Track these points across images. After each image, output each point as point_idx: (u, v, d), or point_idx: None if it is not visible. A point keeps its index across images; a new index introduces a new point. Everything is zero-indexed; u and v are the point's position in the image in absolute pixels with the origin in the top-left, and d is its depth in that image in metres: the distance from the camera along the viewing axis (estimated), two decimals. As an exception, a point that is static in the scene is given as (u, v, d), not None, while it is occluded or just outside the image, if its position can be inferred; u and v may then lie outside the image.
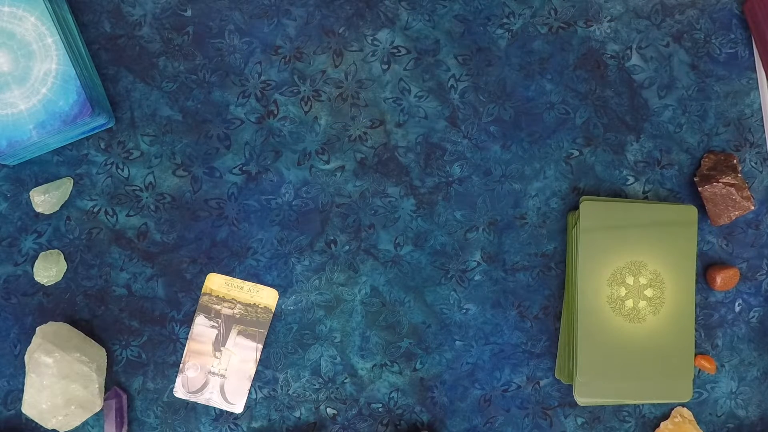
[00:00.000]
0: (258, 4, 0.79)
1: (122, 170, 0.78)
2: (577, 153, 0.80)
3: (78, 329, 0.78)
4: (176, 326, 0.78)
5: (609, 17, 0.80)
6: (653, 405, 0.80)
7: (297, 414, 0.79)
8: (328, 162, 0.79)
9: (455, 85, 0.79)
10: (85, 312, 0.78)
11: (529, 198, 0.79)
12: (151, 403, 0.78)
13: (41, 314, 0.78)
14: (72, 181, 0.78)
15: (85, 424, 0.78)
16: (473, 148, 0.79)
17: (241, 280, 0.78)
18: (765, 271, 0.81)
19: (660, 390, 0.76)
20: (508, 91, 0.79)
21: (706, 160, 0.80)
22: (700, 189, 0.78)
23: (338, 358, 0.79)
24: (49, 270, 0.77)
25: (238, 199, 0.78)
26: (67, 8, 0.77)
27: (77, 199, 0.78)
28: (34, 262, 0.78)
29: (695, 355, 0.80)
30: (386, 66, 0.79)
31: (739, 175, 0.79)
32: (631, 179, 0.80)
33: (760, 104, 0.81)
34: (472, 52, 0.79)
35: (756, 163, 0.81)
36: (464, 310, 0.79)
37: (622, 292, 0.76)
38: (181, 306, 0.78)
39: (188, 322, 0.78)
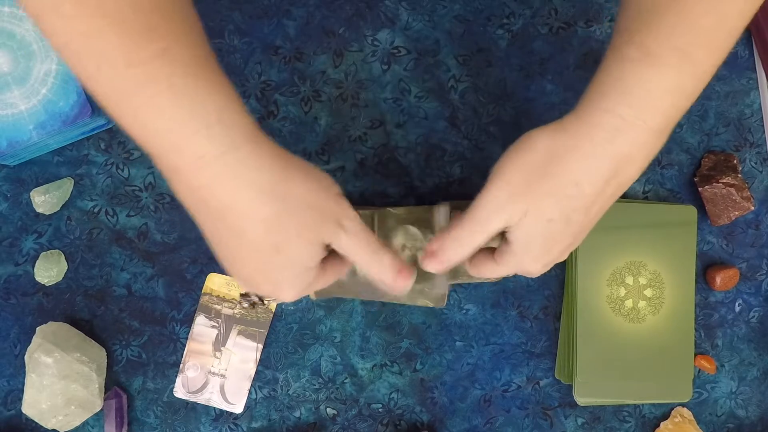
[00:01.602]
0: (258, 4, 0.79)
1: (122, 170, 0.78)
2: (577, 153, 0.80)
3: (78, 329, 0.78)
4: (176, 326, 0.78)
5: (609, 17, 0.80)
6: (653, 405, 0.80)
7: (297, 414, 0.79)
8: (328, 162, 0.79)
9: (455, 86, 0.79)
10: (85, 312, 0.78)
11: (529, 198, 0.79)
12: (151, 403, 0.78)
13: (41, 314, 0.78)
14: (72, 181, 0.78)
15: (85, 424, 0.78)
16: (473, 148, 0.79)
17: (241, 280, 0.78)
18: (765, 271, 0.81)
19: (660, 390, 0.76)
20: (508, 91, 0.79)
21: (706, 160, 0.80)
22: (700, 189, 0.78)
23: (338, 358, 0.79)
24: (49, 270, 0.77)
25: (238, 199, 0.78)
26: (67, 8, 0.77)
27: (77, 199, 0.78)
28: (34, 262, 0.78)
29: (695, 355, 0.80)
30: (386, 66, 0.79)
31: (739, 175, 0.79)
32: (631, 179, 0.80)
33: (760, 104, 0.81)
34: (472, 53, 0.79)
35: (756, 163, 0.81)
36: (464, 311, 0.79)
37: (622, 292, 0.76)
38: (181, 306, 0.78)
39: (188, 322, 0.78)
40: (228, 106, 0.48)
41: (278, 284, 0.56)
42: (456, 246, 0.58)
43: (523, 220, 0.55)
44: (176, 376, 0.78)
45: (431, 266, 0.59)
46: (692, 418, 0.79)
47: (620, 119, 0.52)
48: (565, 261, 0.79)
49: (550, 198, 0.54)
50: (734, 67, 0.81)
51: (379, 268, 0.57)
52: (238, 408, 0.78)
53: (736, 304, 0.80)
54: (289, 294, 0.57)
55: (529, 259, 0.58)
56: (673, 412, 0.79)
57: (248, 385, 0.78)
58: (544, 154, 0.54)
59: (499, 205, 0.55)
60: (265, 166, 0.50)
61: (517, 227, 0.56)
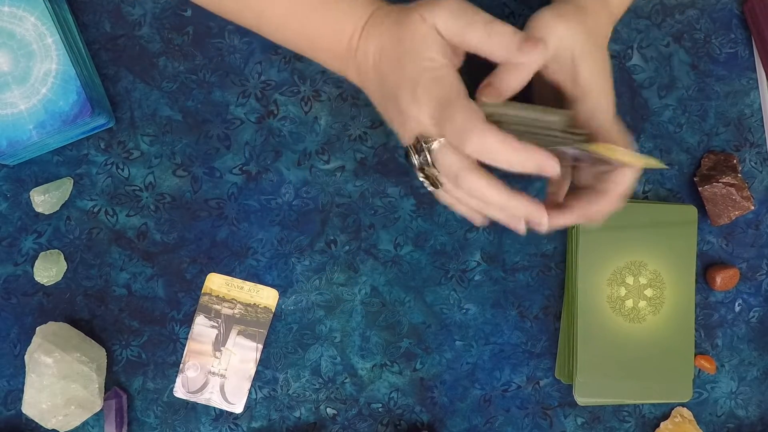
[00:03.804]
0: (258, 4, 0.79)
1: (122, 170, 0.78)
2: (577, 153, 0.80)
3: (78, 329, 0.78)
4: (176, 326, 0.78)
5: (609, 17, 0.80)
6: (653, 405, 0.80)
7: (297, 414, 0.79)
8: (328, 162, 0.79)
9: (455, 85, 0.79)
10: (85, 312, 0.78)
11: (529, 198, 0.79)
12: (151, 403, 0.78)
13: (41, 314, 0.78)
14: (72, 181, 0.78)
15: (85, 424, 0.78)
16: (473, 148, 0.79)
17: (241, 280, 0.78)
18: (765, 271, 0.81)
19: (660, 390, 0.76)
20: (508, 91, 0.79)
21: (706, 160, 0.80)
22: (700, 189, 0.78)
23: (338, 358, 0.79)
24: (49, 270, 0.77)
25: (238, 199, 0.78)
26: (67, 8, 0.77)
27: (77, 199, 0.78)
28: (34, 262, 0.78)
29: (695, 355, 0.80)
30: (386, 66, 0.79)
31: (739, 175, 0.79)
32: (631, 179, 0.80)
33: (760, 104, 0.81)
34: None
35: (756, 163, 0.81)
36: (464, 310, 0.79)
37: (622, 292, 0.76)
38: (181, 306, 0.78)
39: (188, 322, 0.78)
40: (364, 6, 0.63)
41: (421, 82, 0.57)
42: (513, 73, 0.59)
43: (583, 48, 0.59)
44: (176, 376, 0.78)
45: (488, 96, 0.60)
46: (692, 418, 0.79)
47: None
48: (565, 261, 0.79)
49: (589, 23, 0.60)
50: (734, 67, 0.81)
51: (498, 36, 0.58)
52: (238, 408, 0.78)
53: (736, 304, 0.80)
54: (440, 91, 0.57)
55: (603, 93, 0.60)
56: (673, 412, 0.79)
57: (248, 385, 0.78)
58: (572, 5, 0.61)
59: (549, 22, 0.59)
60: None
61: (581, 59, 0.59)
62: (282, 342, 0.79)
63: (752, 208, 0.78)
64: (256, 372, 0.78)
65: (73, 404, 0.74)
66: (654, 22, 0.80)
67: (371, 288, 0.79)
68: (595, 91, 0.60)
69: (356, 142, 0.79)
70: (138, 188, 0.78)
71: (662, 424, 0.79)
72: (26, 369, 0.74)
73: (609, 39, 0.64)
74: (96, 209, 0.78)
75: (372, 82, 0.62)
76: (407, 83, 0.58)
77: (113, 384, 0.78)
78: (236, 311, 0.78)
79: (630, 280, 0.76)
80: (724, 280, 0.79)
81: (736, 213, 0.78)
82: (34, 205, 0.77)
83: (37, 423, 0.77)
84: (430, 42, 0.58)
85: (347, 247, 0.79)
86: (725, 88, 0.81)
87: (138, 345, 0.78)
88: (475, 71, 0.64)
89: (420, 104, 0.57)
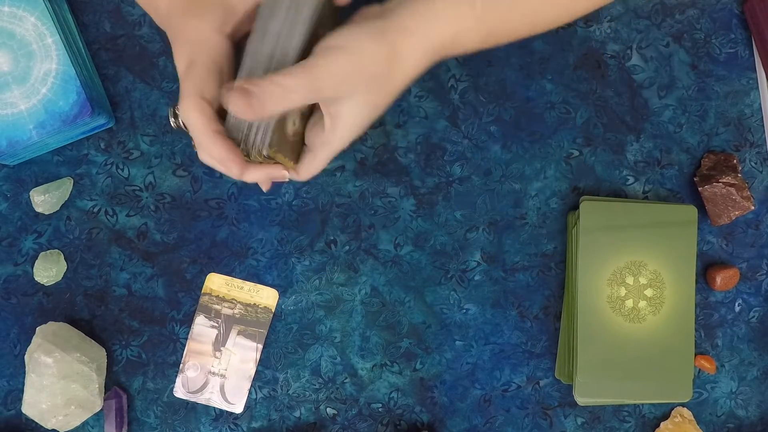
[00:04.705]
0: (258, 4, 0.79)
1: (122, 170, 0.78)
2: (577, 153, 0.80)
3: (78, 329, 0.78)
4: (176, 326, 0.78)
5: (609, 17, 0.80)
6: (653, 405, 0.80)
7: (297, 414, 0.79)
8: (328, 162, 0.79)
9: (455, 85, 0.79)
10: (85, 312, 0.78)
11: (529, 198, 0.79)
12: (151, 403, 0.78)
13: (41, 314, 0.78)
14: (72, 181, 0.78)
15: (85, 424, 0.78)
16: (473, 148, 0.79)
17: (241, 280, 0.78)
18: (765, 271, 0.81)
19: (660, 390, 0.76)
20: (508, 91, 0.79)
21: (706, 160, 0.80)
22: (700, 189, 0.78)
23: (338, 358, 0.79)
24: (49, 270, 0.77)
25: (238, 199, 0.78)
26: (67, 8, 0.77)
27: (77, 199, 0.78)
28: (34, 262, 0.78)
29: (695, 355, 0.80)
30: (386, 66, 0.79)
31: (739, 175, 0.79)
32: (631, 179, 0.80)
33: (760, 104, 0.81)
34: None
35: (756, 163, 0.81)
36: (464, 310, 0.79)
37: (622, 292, 0.76)
38: (181, 306, 0.78)
39: (188, 322, 0.78)
40: None
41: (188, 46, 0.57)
42: (278, 95, 0.53)
43: (359, 96, 0.56)
44: (176, 376, 0.78)
45: (235, 105, 0.53)
46: (692, 418, 0.79)
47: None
48: (565, 261, 0.79)
49: (380, 85, 0.57)
50: (734, 67, 0.81)
51: None
52: (238, 408, 0.78)
53: (736, 304, 0.80)
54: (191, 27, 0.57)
55: (348, 134, 0.59)
56: (673, 412, 0.79)
57: (248, 385, 0.78)
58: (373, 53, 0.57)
59: (345, 73, 0.55)
60: None
61: (354, 102, 0.57)
62: (282, 342, 0.79)
63: (752, 208, 0.78)
64: (256, 372, 0.78)
65: (73, 404, 0.74)
66: (654, 22, 0.80)
67: (371, 288, 0.79)
68: (338, 128, 0.58)
69: (356, 142, 0.79)
70: (138, 188, 0.78)
71: (662, 424, 0.79)
72: (26, 369, 0.74)
73: (402, 87, 0.59)
74: (96, 209, 0.78)
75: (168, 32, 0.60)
76: (182, 38, 0.58)
77: (113, 384, 0.78)
78: (236, 311, 0.78)
79: (630, 280, 0.76)
80: (724, 280, 0.79)
81: (736, 213, 0.78)
82: (34, 205, 0.77)
83: (37, 423, 0.77)
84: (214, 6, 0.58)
85: (347, 247, 0.79)
86: (725, 88, 0.81)
87: (138, 345, 0.78)
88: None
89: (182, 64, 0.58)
